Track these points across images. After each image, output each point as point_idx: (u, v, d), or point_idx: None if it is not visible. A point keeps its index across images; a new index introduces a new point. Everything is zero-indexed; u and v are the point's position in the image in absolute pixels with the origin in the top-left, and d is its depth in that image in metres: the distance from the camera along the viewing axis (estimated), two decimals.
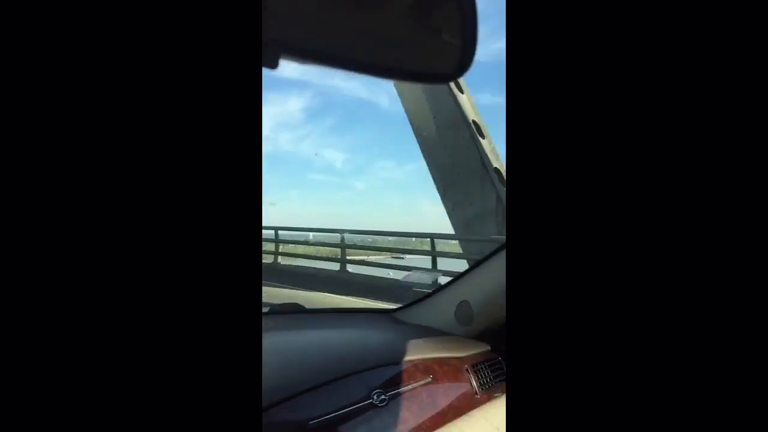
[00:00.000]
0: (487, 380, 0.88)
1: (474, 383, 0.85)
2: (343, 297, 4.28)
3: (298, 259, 7.38)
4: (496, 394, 0.89)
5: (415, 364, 0.79)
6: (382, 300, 3.89)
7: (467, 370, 0.86)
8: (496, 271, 0.93)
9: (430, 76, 0.36)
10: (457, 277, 1.00)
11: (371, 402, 0.68)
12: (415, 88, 5.49)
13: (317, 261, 7.11)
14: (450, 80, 0.35)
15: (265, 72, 0.29)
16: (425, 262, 5.97)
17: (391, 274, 5.70)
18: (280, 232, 7.28)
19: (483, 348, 0.94)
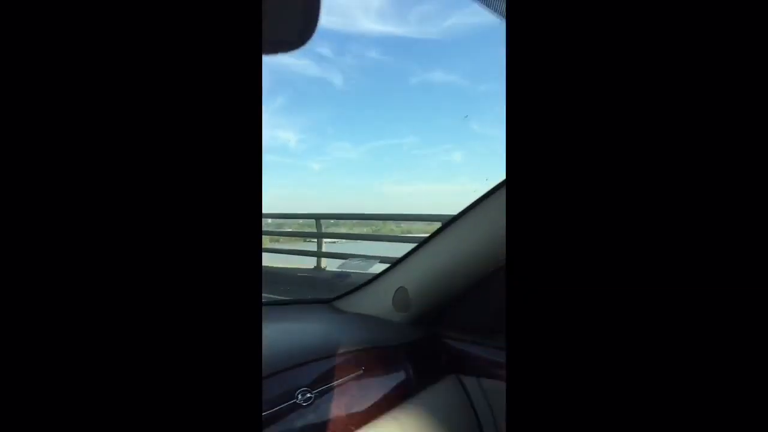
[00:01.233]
0: (424, 366, 0.87)
1: (410, 371, 0.84)
2: None
3: None
4: (432, 380, 0.88)
5: (348, 357, 0.77)
6: None
7: (403, 357, 0.85)
8: (432, 256, 0.92)
9: (273, 45, 0.34)
10: (395, 263, 0.98)
11: (295, 402, 0.65)
12: None
13: None
14: (292, 49, 0.33)
15: None
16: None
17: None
18: None
19: (421, 334, 0.93)
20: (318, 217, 5.76)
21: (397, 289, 0.96)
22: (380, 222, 6.19)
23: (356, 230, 6.37)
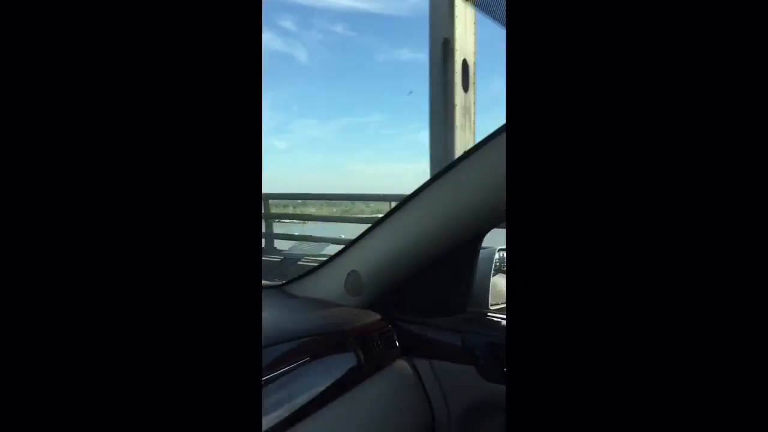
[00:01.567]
0: (375, 351, 0.86)
1: (360, 356, 0.82)
2: None
3: None
4: (384, 364, 0.87)
5: (293, 345, 0.74)
6: None
7: (353, 342, 0.82)
8: (384, 239, 0.89)
9: None
10: (347, 245, 0.95)
11: None
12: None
13: None
14: None
15: None
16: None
17: None
18: None
19: (373, 318, 0.91)
20: (277, 198, 5.57)
21: (349, 273, 0.93)
22: (349, 202, 6.09)
23: (325, 211, 6.26)
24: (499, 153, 0.71)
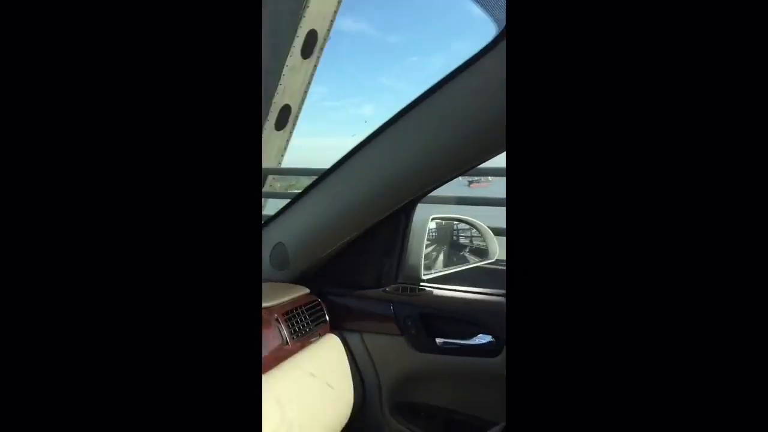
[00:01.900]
0: (301, 326, 0.82)
1: (284, 332, 0.77)
2: None
3: None
4: (312, 340, 0.83)
5: None
6: None
7: (277, 319, 0.78)
8: (311, 209, 0.84)
9: None
10: (271, 218, 0.89)
11: None
12: None
13: None
14: None
15: None
16: None
17: None
18: None
19: (301, 292, 0.87)
20: None
21: (274, 246, 0.87)
22: (293, 177, 5.91)
23: (266, 186, 6.02)
24: (426, 118, 0.67)
